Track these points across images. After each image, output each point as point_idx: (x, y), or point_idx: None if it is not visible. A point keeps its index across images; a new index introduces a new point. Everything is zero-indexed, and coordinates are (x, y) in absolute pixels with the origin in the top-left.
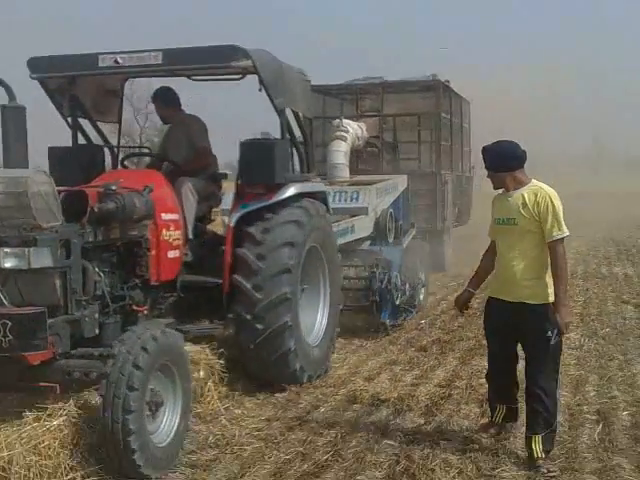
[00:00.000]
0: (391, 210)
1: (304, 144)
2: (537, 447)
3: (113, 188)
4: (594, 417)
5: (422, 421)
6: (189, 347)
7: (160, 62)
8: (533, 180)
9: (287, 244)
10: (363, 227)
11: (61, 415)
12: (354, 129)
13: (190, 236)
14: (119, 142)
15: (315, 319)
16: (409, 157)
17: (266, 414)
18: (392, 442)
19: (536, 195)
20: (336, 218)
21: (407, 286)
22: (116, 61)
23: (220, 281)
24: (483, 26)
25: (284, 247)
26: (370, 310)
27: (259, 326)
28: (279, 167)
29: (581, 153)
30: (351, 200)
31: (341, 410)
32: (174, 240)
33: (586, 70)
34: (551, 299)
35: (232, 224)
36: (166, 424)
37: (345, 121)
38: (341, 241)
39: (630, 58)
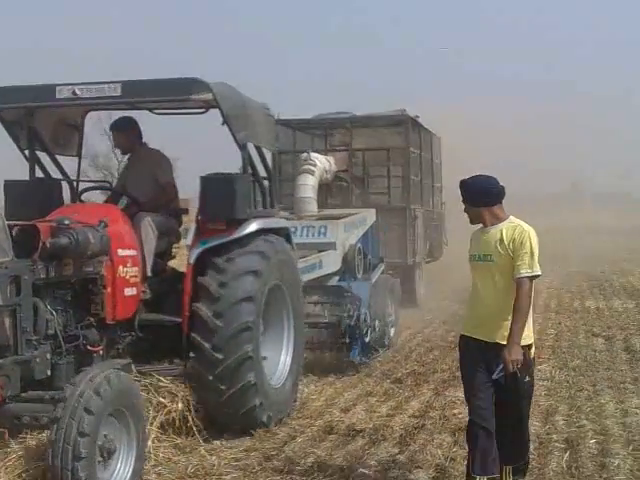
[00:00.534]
0: (359, 245)
1: (268, 179)
2: (507, 477)
3: (66, 223)
4: (562, 445)
5: (396, 450)
6: (166, 380)
7: (119, 94)
8: (511, 217)
9: (250, 272)
10: (331, 262)
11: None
12: (322, 163)
13: (149, 273)
14: (79, 175)
15: (279, 359)
16: (379, 191)
17: (244, 445)
18: (367, 471)
19: (514, 231)
20: (303, 253)
21: (377, 323)
22: (74, 92)
23: (179, 320)
24: (457, 61)
25: (247, 275)
26: (339, 348)
27: (218, 356)
28: (240, 202)
29: (559, 190)
30: (319, 235)
31: (317, 440)
32: (131, 277)
33: (563, 110)
34: (527, 341)
35: (191, 261)
36: (119, 473)
37: (313, 155)
38: (309, 277)
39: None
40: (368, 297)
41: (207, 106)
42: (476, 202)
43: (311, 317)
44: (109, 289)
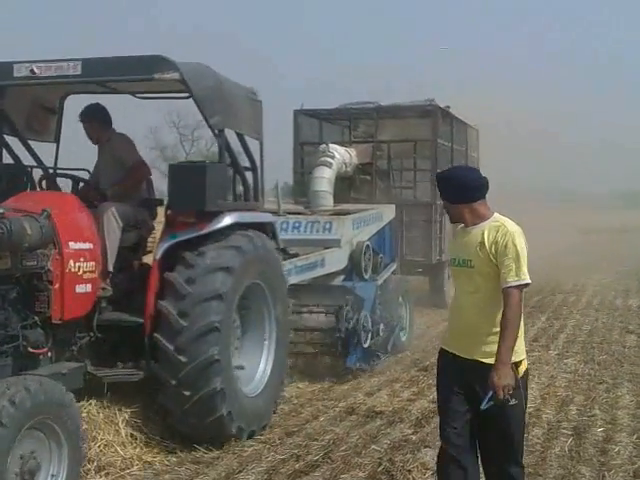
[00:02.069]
0: (368, 243)
1: (252, 169)
2: None
3: (0, 212)
4: (570, 432)
5: (410, 431)
6: None
7: (79, 72)
8: (496, 214)
9: (221, 269)
10: (335, 260)
11: None
12: (341, 155)
13: (110, 268)
14: (56, 163)
15: (257, 365)
16: (405, 186)
17: (269, 421)
18: (379, 448)
19: (497, 232)
20: (307, 250)
21: (381, 327)
22: (32, 71)
23: (141, 320)
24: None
25: (218, 272)
26: (335, 353)
27: (182, 358)
28: (212, 193)
29: (617, 188)
30: (323, 231)
31: (338, 420)
32: (85, 273)
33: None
34: (515, 358)
35: (157, 256)
36: None
37: (332, 146)
38: (309, 275)
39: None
40: (373, 299)
41: (174, 87)
42: (455, 199)
43: (305, 320)
44: (57, 285)
